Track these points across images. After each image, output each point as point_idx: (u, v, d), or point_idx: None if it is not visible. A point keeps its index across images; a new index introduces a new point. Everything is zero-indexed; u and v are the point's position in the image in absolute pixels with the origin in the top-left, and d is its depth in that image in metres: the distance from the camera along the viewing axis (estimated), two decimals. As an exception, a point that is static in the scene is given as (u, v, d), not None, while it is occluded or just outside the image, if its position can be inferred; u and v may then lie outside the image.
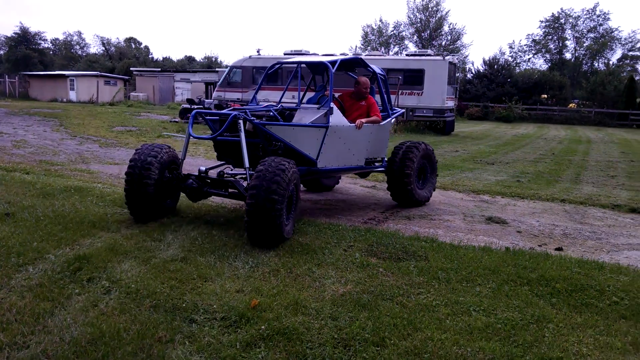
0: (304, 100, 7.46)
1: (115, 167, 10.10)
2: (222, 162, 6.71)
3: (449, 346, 3.19)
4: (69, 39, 78.42)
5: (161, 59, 72.69)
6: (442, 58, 22.22)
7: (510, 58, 62.49)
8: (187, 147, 6.44)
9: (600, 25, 62.38)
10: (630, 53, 66.64)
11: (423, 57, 22.82)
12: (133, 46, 75.52)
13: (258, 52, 26.32)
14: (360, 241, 5.27)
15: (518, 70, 55.59)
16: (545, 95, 46.65)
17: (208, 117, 6.35)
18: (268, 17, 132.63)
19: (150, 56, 72.92)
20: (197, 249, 4.93)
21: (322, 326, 3.41)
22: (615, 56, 64.26)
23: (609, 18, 61.98)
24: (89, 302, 3.68)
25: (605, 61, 62.06)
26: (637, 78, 50.44)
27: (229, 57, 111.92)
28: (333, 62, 6.78)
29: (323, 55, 25.52)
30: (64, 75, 40.93)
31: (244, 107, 6.67)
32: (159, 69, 50.65)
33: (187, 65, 65.22)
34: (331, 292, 3.97)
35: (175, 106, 35.40)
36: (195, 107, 24.12)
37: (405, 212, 7.04)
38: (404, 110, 8.69)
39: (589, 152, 16.93)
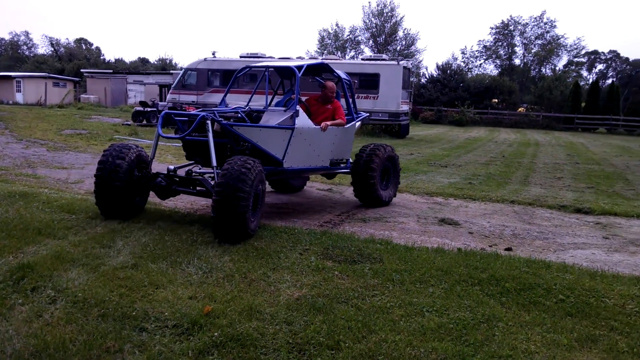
0: (272, 103, 7.59)
1: (63, 172, 9.76)
2: (191, 162, 6.87)
3: (402, 347, 3.22)
4: (15, 39, 75.50)
5: (113, 60, 70.84)
6: (396, 63, 22.56)
7: (462, 63, 64.07)
8: (157, 146, 6.57)
9: (547, 32, 64.82)
10: (575, 59, 69.59)
11: (378, 62, 23.10)
12: (84, 47, 73.40)
13: (213, 54, 26.03)
14: (316, 244, 5.26)
15: (470, 76, 57.04)
16: (496, 100, 48.08)
17: (177, 118, 6.52)
18: (224, 20, 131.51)
19: (101, 57, 70.95)
20: (148, 255, 4.81)
21: (277, 331, 3.38)
22: (561, 62, 66.92)
23: (555, 26, 64.67)
24: (33, 312, 3.52)
25: (552, 67, 64.52)
26: (581, 83, 52.69)
27: (183, 59, 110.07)
28: (299, 67, 7.01)
29: (280, 58, 25.47)
30: (10, 76, 39.32)
31: (213, 108, 6.84)
32: (111, 71, 49.40)
33: (141, 67, 63.80)
34: (286, 297, 3.94)
35: (128, 109, 34.59)
36: (149, 109, 23.65)
37: (361, 215, 7.09)
38: (367, 114, 9.06)
39: (537, 155, 17.52)
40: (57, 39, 72.86)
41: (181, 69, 35.84)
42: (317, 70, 7.92)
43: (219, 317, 3.53)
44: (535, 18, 64.89)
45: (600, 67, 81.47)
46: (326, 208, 7.50)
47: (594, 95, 41.17)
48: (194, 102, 25.09)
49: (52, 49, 70.52)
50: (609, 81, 65.27)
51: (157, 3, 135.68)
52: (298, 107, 6.66)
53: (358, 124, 8.07)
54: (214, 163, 5.76)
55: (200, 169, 6.68)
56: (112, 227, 5.67)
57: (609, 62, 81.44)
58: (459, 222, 6.81)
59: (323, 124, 6.96)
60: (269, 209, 7.31)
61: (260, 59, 25.18)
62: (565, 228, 6.81)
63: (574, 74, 64.45)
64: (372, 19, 61.67)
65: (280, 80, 8.09)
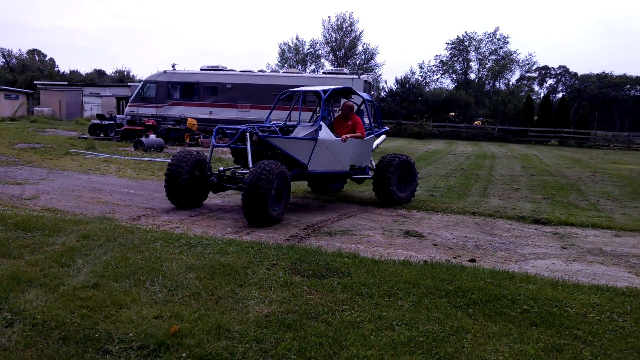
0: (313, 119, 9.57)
1: (17, 187, 9.39)
2: (238, 165, 8.70)
3: (374, 362, 3.21)
4: (-37, 49, 72.56)
5: (68, 72, 69.10)
6: (357, 77, 22.84)
7: (420, 78, 65.48)
8: (212, 152, 8.43)
9: (501, 48, 67.00)
10: (527, 74, 72.16)
11: (340, 76, 23.33)
12: (37, 58, 71.24)
13: (173, 67, 25.73)
14: (283, 259, 5.22)
15: (428, 90, 58.28)
16: (453, 113, 49.27)
17: (228, 131, 8.32)
18: (183, 32, 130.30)
19: (56, 69, 69.10)
20: (110, 273, 4.66)
21: (247, 350, 3.32)
22: (514, 77, 69.28)
23: (508, 42, 66.57)
24: (-13, 337, 3.34)
25: (506, 81, 66.65)
26: (533, 97, 54.58)
27: (142, 72, 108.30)
28: (325, 91, 8.75)
29: (241, 71, 25.40)
30: (-43, 88, 37.77)
31: (255, 124, 8.59)
32: (66, 83, 48.14)
33: (97, 79, 62.43)
34: (255, 314, 3.88)
35: (84, 122, 33.75)
36: (107, 122, 23.10)
37: (327, 228, 7.09)
38: (387, 128, 10.89)
39: (494, 167, 17.99)
40: (9, 50, 70.50)
41: (139, 81, 35.27)
42: (344, 93, 9.65)
43: (186, 336, 3.44)
44: (489, 34, 67.05)
45: (550, 81, 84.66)
46: (291, 222, 7.46)
47: (546, 108, 42.74)
48: (153, 114, 24.70)
49: (4, 60, 68.15)
50: (559, 95, 67.99)
51: (114, 14, 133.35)
52: (321, 123, 8.39)
53: (382, 137, 10.12)
54: (250, 166, 7.35)
55: (243, 170, 8.49)
56: (71, 245, 5.47)
57: (559, 77, 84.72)
58: (423, 234, 6.89)
59: (344, 136, 8.59)
60: (233, 223, 7.22)
61: (220, 71, 25.05)
62: (525, 239, 6.99)
63: (526, 89, 66.80)
64: (332, 33, 62.41)
65: (318, 101, 9.55)
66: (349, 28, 61.76)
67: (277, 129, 8.73)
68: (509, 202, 10.01)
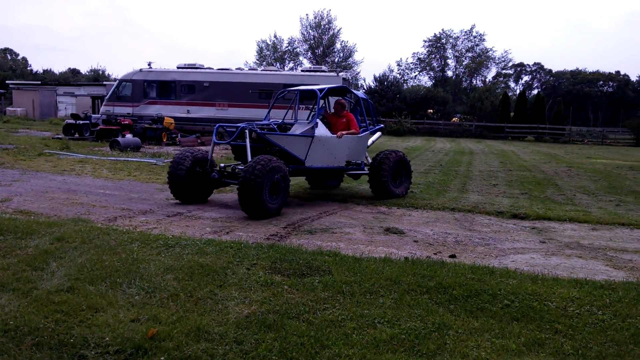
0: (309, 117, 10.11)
1: (-12, 190, 9.14)
2: (238, 162, 9.12)
3: (357, 361, 3.17)
4: None
5: (41, 71, 67.74)
6: (336, 74, 22.82)
7: (398, 75, 65.79)
8: (213, 150, 8.70)
9: (477, 45, 67.74)
10: (503, 71, 73.04)
11: (318, 73, 23.27)
12: (9, 57, 69.67)
13: (149, 65, 25.39)
14: (263, 259, 5.15)
15: (406, 87, 58.59)
16: (431, 110, 49.61)
17: (228, 129, 8.99)
18: (160, 30, 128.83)
19: (28, 68, 67.69)
20: (85, 276, 4.54)
21: (227, 352, 3.26)
22: (490, 74, 70.07)
23: (484, 39, 67.47)
24: (-44, 345, 3.22)
25: (483, 79, 67.39)
26: (509, 94, 55.30)
27: (117, 70, 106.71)
28: (321, 90, 9.20)
29: (218, 69, 25.18)
30: None
31: (255, 122, 9.13)
32: (39, 82, 47.21)
33: (71, 78, 61.35)
34: (235, 315, 3.81)
35: (59, 122, 33.15)
36: (81, 122, 22.69)
37: (307, 227, 7.04)
38: (382, 125, 11.41)
39: (472, 163, 18.14)
40: (-22, 49, 68.88)
41: (115, 80, 34.75)
42: (339, 92, 10.17)
43: (164, 339, 3.36)
44: (465, 32, 67.75)
45: (526, 78, 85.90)
46: (271, 221, 7.39)
47: (522, 105, 43.32)
48: (129, 114, 24.33)
49: (-27, 59, 66.60)
50: (535, 92, 68.86)
51: (86, 12, 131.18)
52: (318, 120, 8.76)
53: (377, 134, 10.49)
54: (249, 161, 7.63)
55: (242, 166, 8.64)
56: (45, 248, 5.33)
57: (534, 74, 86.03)
58: (403, 231, 6.89)
59: (339, 133, 9.06)
60: (212, 222, 7.13)
61: (198, 70, 24.79)
62: (504, 234, 7.04)
63: (502, 85, 67.63)
64: (310, 30, 62.29)
65: (326, 99, 10.20)
66: (327, 26, 61.74)
67: (275, 126, 9.16)
68: (488, 198, 10.08)
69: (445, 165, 17.11)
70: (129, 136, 19.00)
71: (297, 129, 9.00)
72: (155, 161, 14.63)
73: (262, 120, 9.64)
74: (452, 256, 5.76)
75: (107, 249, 5.39)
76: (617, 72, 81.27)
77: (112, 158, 15.04)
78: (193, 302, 4.06)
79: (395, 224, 7.42)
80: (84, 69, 73.29)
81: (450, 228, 7.27)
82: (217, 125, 8.74)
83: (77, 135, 22.52)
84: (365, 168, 9.74)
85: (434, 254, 5.90)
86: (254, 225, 7.06)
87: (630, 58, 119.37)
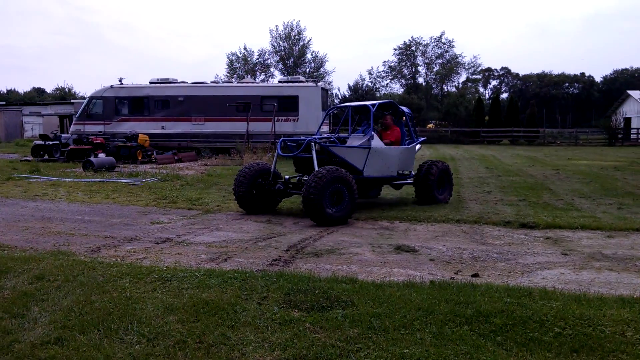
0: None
1: (-47, 221, 8.35)
2: (301, 174, 9.47)
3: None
4: None
5: (5, 91, 65.72)
6: (314, 84, 22.40)
7: (370, 84, 65.84)
8: (276, 162, 9.53)
9: (447, 52, 68.22)
10: (473, 77, 73.86)
11: (296, 84, 22.84)
12: (-31, 78, 67.56)
13: (120, 81, 24.57)
14: (274, 290, 4.60)
15: (379, 95, 58.60)
16: (406, 117, 49.63)
17: (290, 143, 9.55)
18: (127, 45, 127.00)
19: (-9, 89, 65.56)
20: (74, 323, 3.94)
21: (259, 416, 2.71)
22: (460, 79, 70.71)
23: (453, 45, 67.82)
24: None
25: (456, 84, 67.93)
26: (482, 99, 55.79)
27: (85, 88, 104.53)
28: (373, 105, 9.87)
29: (193, 83, 24.51)
30: None
31: (314, 136, 9.79)
32: (4, 102, 45.69)
33: (37, 97, 59.64)
34: (258, 364, 3.27)
35: (26, 143, 31.93)
36: (51, 142, 21.73)
37: (310, 248, 6.51)
38: (424, 138, 12.21)
39: (459, 170, 17.85)
40: (-63, 70, 66.45)
41: (83, 98, 33.70)
42: (386, 107, 10.72)
43: (180, 404, 2.80)
44: (435, 39, 68.18)
45: (494, 83, 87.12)
46: (270, 244, 6.84)
47: (496, 109, 43.67)
48: (101, 132, 23.44)
49: None
50: (504, 96, 69.82)
51: (51, 31, 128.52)
52: (373, 132, 9.42)
53: (419, 146, 10.81)
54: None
55: (305, 178, 8.93)
56: (23, 289, 4.70)
57: (502, 78, 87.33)
58: (415, 249, 6.41)
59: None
60: (205, 248, 6.54)
61: (172, 84, 24.09)
62: (520, 246, 6.63)
63: (473, 90, 68.29)
64: (280, 42, 61.86)
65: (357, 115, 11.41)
66: (297, 37, 61.37)
67: (335, 139, 9.68)
68: (488, 207, 9.71)
69: (431, 173, 16.74)
70: (102, 155, 18.18)
71: (353, 142, 9.60)
72: (132, 181, 13.89)
73: (317, 135, 10.33)
74: (475, 275, 5.32)
75: (94, 286, 4.77)
76: (582, 74, 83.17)
77: (86, 180, 14.25)
78: (204, 350, 3.50)
79: (403, 240, 6.94)
80: (49, 88, 71.41)
81: (462, 242, 6.82)
82: (281, 139, 9.51)
83: (46, 156, 21.53)
84: (408, 179, 10.24)
85: (455, 273, 5.44)
86: (252, 250, 6.50)
87: (594, 60, 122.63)
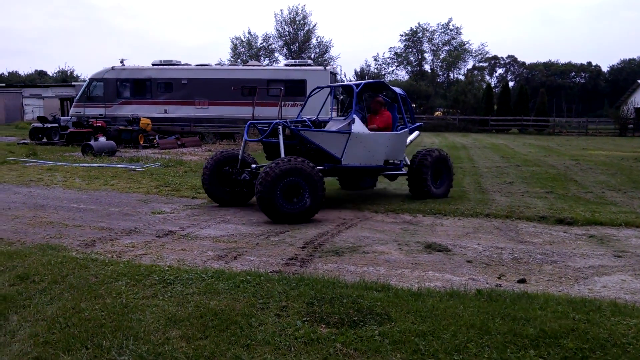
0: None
1: (-63, 208, 7.69)
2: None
3: None
4: None
5: (6, 73, 64.94)
6: (323, 68, 21.61)
7: (375, 70, 64.86)
8: (244, 148, 8.36)
9: (454, 39, 67.22)
10: (480, 64, 72.77)
11: (304, 67, 22.04)
12: (-31, 59, 66.70)
13: (122, 62, 23.77)
14: (294, 298, 3.93)
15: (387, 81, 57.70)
16: (414, 105, 48.80)
17: (260, 127, 8.70)
18: (128, 27, 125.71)
19: (-9, 70, 64.73)
20: (58, 337, 3.30)
21: None
22: (467, 67, 69.68)
23: (461, 32, 66.88)
24: None
25: (464, 72, 66.93)
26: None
27: (87, 70, 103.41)
28: (358, 85, 8.60)
29: (197, 65, 23.74)
30: None
31: (288, 119, 9.02)
32: (4, 84, 45.02)
33: (38, 80, 58.87)
34: (283, 403, 2.60)
35: (25, 125, 31.31)
36: (50, 125, 21.05)
37: (330, 245, 5.82)
38: (421, 124, 10.38)
39: (473, 159, 17.12)
40: (-63, 51, 65.59)
41: (84, 80, 32.95)
42: (375, 88, 9.60)
43: None
44: (442, 25, 67.12)
45: (500, 71, 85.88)
46: (284, 238, 6.16)
47: (505, 97, 42.74)
48: (102, 115, 22.72)
49: None
50: (510, 84, 68.72)
51: (51, 13, 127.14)
52: (354, 116, 8.14)
53: (416, 133, 9.59)
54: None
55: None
56: (3, 293, 4.05)
57: (508, 66, 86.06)
58: (448, 248, 5.71)
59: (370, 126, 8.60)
60: (212, 243, 5.86)
61: (175, 66, 23.32)
62: (562, 245, 5.93)
63: (479, 78, 67.25)
64: (285, 26, 60.83)
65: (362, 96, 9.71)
66: (302, 21, 60.34)
67: (310, 122, 8.68)
68: (515, 199, 9.01)
69: (445, 161, 16.02)
70: (102, 139, 17.47)
71: (332, 126, 8.59)
72: (133, 167, 13.20)
73: (298, 118, 9.27)
74: (522, 281, 4.63)
75: (85, 290, 4.12)
76: (589, 63, 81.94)
77: (85, 164, 13.57)
78: (215, 379, 2.83)
79: (431, 237, 6.25)
80: (51, 71, 70.48)
81: (498, 240, 6.12)
82: (249, 122, 8.41)
83: (45, 139, 20.85)
84: (403, 168, 9.11)
85: (498, 277, 4.75)
86: (264, 246, 5.81)
87: (601, 49, 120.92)
